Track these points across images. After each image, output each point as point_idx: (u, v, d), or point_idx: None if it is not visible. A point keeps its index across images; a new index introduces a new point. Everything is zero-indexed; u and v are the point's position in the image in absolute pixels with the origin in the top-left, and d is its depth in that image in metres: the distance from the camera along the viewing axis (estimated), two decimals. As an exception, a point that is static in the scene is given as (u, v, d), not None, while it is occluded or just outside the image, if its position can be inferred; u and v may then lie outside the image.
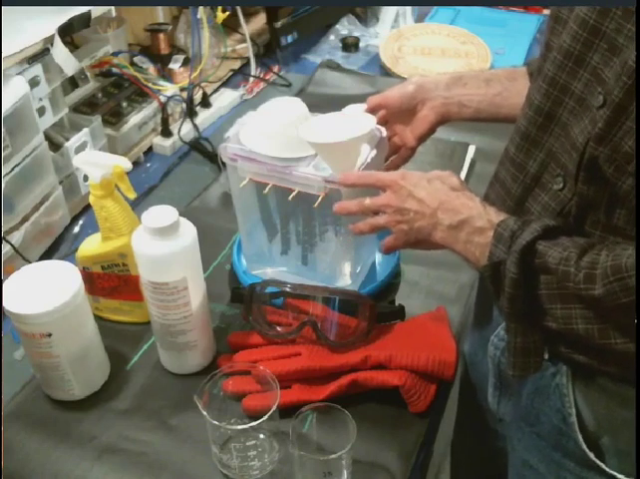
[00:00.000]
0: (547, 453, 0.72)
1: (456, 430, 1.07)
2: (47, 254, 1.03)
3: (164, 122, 1.28)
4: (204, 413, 0.69)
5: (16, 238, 0.96)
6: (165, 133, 1.28)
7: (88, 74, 1.20)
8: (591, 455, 0.66)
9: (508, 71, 0.89)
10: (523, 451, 0.76)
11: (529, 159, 0.66)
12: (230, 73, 1.49)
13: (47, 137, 1.03)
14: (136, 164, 1.22)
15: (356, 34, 1.68)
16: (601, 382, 0.64)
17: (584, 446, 0.66)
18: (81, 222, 1.11)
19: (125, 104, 1.24)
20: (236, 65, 1.52)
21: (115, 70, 1.25)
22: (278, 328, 0.84)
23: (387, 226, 0.73)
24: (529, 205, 0.67)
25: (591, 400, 0.65)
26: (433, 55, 1.58)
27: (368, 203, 0.74)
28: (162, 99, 1.27)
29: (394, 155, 0.91)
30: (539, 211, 0.66)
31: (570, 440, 0.67)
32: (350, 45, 1.64)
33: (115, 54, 1.25)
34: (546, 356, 0.67)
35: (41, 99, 1.01)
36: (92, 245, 0.86)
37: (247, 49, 1.48)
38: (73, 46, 1.19)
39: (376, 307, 0.81)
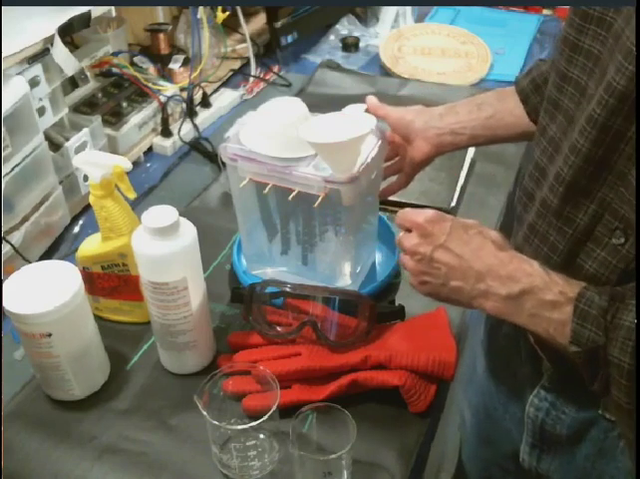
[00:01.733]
0: None
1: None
2: (47, 254, 1.03)
3: (164, 122, 1.28)
4: (204, 413, 0.69)
5: (16, 238, 0.96)
6: (165, 133, 1.28)
7: (88, 74, 1.20)
8: None
9: (497, 92, 0.88)
10: None
11: (579, 211, 0.61)
12: (230, 73, 1.49)
13: (47, 137, 1.03)
14: (136, 164, 1.22)
15: (356, 34, 1.68)
16: None
17: None
18: (81, 222, 1.11)
19: (125, 104, 1.24)
20: (236, 65, 1.52)
21: (115, 70, 1.25)
22: (278, 328, 0.84)
23: (412, 274, 0.67)
24: (582, 261, 0.62)
25: None
26: (433, 55, 1.58)
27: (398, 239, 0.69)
28: (162, 99, 1.27)
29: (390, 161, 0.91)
30: (596, 268, 0.60)
31: None
32: (350, 45, 1.64)
33: (115, 54, 1.25)
34: (613, 418, 0.65)
35: (41, 99, 1.01)
36: (92, 246, 0.86)
37: (247, 49, 1.48)
38: (73, 46, 1.19)
39: (376, 307, 0.81)
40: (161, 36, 1.37)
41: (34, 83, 0.99)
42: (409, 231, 0.67)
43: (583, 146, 0.58)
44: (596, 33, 0.58)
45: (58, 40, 1.01)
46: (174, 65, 1.37)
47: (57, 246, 1.06)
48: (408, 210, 0.68)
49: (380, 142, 0.83)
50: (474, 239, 0.63)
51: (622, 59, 0.53)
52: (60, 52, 1.02)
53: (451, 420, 1.01)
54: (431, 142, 0.85)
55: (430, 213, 0.66)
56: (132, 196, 0.83)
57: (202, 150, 1.28)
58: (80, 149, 1.09)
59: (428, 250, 0.64)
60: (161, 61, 1.37)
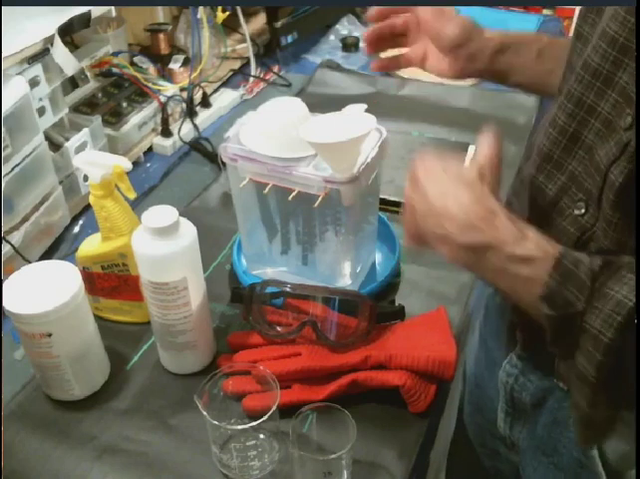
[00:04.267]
0: None
1: (454, 448, 1.05)
2: (47, 254, 1.03)
3: (164, 122, 1.28)
4: (204, 413, 0.69)
5: (16, 238, 0.96)
6: (165, 133, 1.28)
7: (88, 74, 1.21)
8: None
9: (561, 43, 0.81)
10: None
11: (549, 181, 0.63)
12: (230, 73, 1.49)
13: (47, 137, 1.03)
14: (136, 164, 1.22)
15: (356, 34, 1.68)
16: (626, 416, 0.58)
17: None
18: (81, 222, 1.11)
19: (125, 104, 1.24)
20: (236, 65, 1.52)
21: (115, 70, 1.25)
22: (278, 328, 0.84)
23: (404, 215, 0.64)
24: (544, 232, 0.60)
25: (614, 434, 0.59)
26: (433, 55, 1.58)
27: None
28: (162, 99, 1.27)
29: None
30: (555, 235, 0.60)
31: (591, 473, 0.66)
32: (350, 45, 1.64)
33: (115, 54, 1.25)
34: (565, 387, 0.66)
35: (41, 99, 1.01)
36: (92, 246, 0.86)
37: (247, 49, 1.48)
38: (73, 46, 1.19)
39: (376, 307, 0.81)
40: (161, 36, 1.38)
41: (34, 83, 0.99)
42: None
43: (560, 118, 0.61)
44: (594, 20, 0.61)
45: (58, 40, 1.01)
46: (174, 65, 1.37)
47: (57, 246, 1.06)
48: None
49: (380, 142, 0.83)
50: (446, 182, 0.60)
51: (598, 39, 0.56)
52: (60, 52, 1.02)
53: (451, 420, 1.01)
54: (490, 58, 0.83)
55: (429, 161, 0.63)
56: (132, 196, 0.83)
57: (202, 150, 1.28)
58: (80, 149, 1.09)
59: (409, 193, 0.62)
60: (162, 61, 1.37)
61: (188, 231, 0.75)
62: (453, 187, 0.59)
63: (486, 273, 0.58)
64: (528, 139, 1.22)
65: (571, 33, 0.66)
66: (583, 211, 0.59)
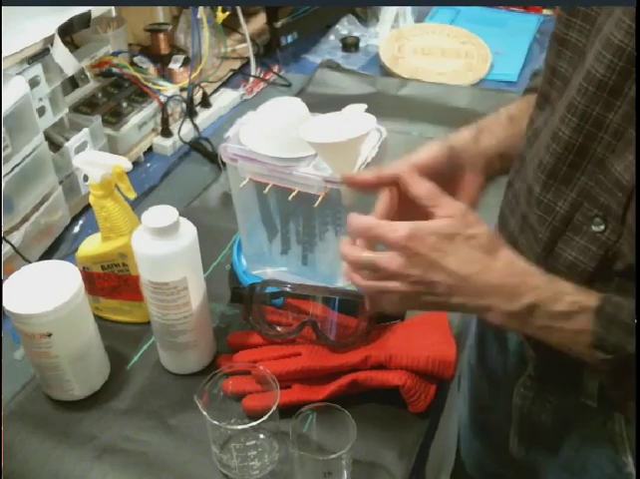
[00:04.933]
0: None
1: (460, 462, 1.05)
2: (47, 254, 1.03)
3: (164, 122, 1.28)
4: (204, 413, 0.69)
5: (16, 238, 0.96)
6: (165, 133, 1.28)
7: (88, 74, 1.20)
8: None
9: (521, 103, 0.76)
10: None
11: (559, 199, 0.60)
12: (230, 73, 1.49)
13: (47, 137, 1.03)
14: (136, 164, 1.22)
15: (356, 34, 1.68)
16: None
17: None
18: (81, 222, 1.11)
19: (125, 104, 1.24)
20: (236, 65, 1.52)
21: (115, 70, 1.25)
22: (278, 328, 0.84)
23: (406, 295, 0.61)
24: (561, 250, 0.61)
25: None
26: (433, 55, 1.58)
27: (369, 260, 0.61)
28: (162, 99, 1.27)
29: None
30: (575, 256, 0.60)
31: None
32: (350, 45, 1.64)
33: (115, 54, 1.25)
34: (595, 405, 0.65)
35: (41, 99, 1.01)
36: (92, 246, 0.86)
37: (247, 49, 1.48)
38: (73, 46, 1.19)
39: (376, 307, 0.81)
40: (161, 36, 1.37)
41: (34, 83, 0.99)
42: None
43: (564, 133, 0.58)
44: (582, 27, 0.59)
45: (58, 40, 1.01)
46: (174, 65, 1.37)
47: (57, 246, 1.06)
48: (371, 221, 0.62)
49: (380, 142, 0.83)
50: (462, 251, 0.58)
51: (601, 48, 0.54)
52: (60, 52, 1.02)
53: (451, 420, 1.01)
54: (481, 171, 0.72)
55: (405, 229, 0.58)
56: (132, 196, 0.83)
57: (202, 150, 1.27)
58: (80, 149, 1.09)
59: (419, 272, 0.58)
60: (162, 61, 1.37)
61: (188, 231, 0.75)
62: (475, 253, 0.58)
63: (533, 331, 0.59)
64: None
65: None
66: (602, 227, 0.57)
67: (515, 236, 0.68)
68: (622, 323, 0.54)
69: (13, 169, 0.95)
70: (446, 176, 0.68)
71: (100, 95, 1.22)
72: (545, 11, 2.19)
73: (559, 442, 0.72)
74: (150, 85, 1.27)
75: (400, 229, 0.59)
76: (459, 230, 0.59)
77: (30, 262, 0.91)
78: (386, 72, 1.55)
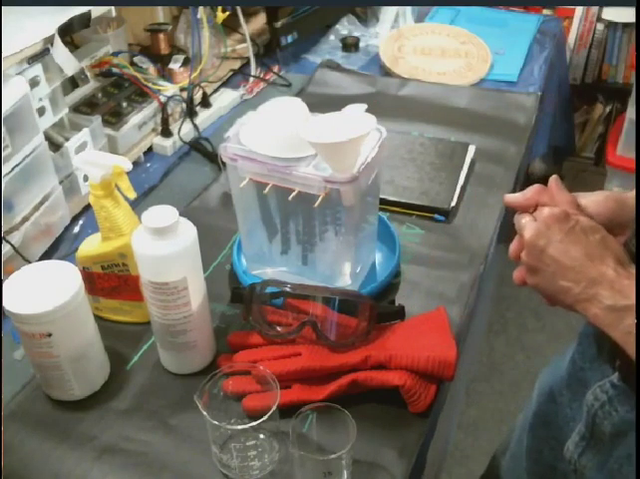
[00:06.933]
0: None
1: (498, 460, 1.04)
2: (47, 254, 1.03)
3: (165, 122, 1.28)
4: (204, 413, 0.69)
5: (16, 238, 0.96)
6: (166, 133, 1.28)
7: (88, 74, 1.20)
8: None
9: None
10: None
11: None
12: (230, 73, 1.49)
13: (47, 137, 1.03)
14: (136, 164, 1.22)
15: (356, 34, 1.68)
16: None
17: None
18: (81, 222, 1.11)
19: (125, 104, 1.24)
20: (236, 65, 1.52)
21: (115, 70, 1.25)
22: (278, 328, 0.84)
23: (523, 263, 0.67)
24: None
25: None
26: (433, 55, 1.58)
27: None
28: (162, 99, 1.27)
29: None
30: None
31: None
32: (350, 45, 1.64)
33: (115, 54, 1.25)
34: None
35: (41, 99, 1.01)
36: (92, 246, 0.86)
37: (247, 49, 1.48)
38: (73, 46, 1.19)
39: (376, 307, 0.81)
40: (161, 36, 1.38)
41: (34, 83, 0.99)
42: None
43: None
44: None
45: (58, 40, 1.01)
46: (174, 65, 1.37)
47: (57, 246, 1.06)
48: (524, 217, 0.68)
49: (380, 142, 0.83)
50: (594, 246, 0.63)
51: None
52: (60, 52, 1.02)
53: (451, 420, 1.01)
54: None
55: (556, 209, 0.65)
56: (132, 196, 0.83)
57: (202, 150, 1.28)
58: (80, 149, 1.09)
59: (542, 243, 0.64)
60: (162, 61, 1.37)
61: (188, 230, 0.75)
62: (594, 248, 0.62)
63: (618, 333, 0.60)
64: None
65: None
66: None
67: None
68: None
69: (13, 169, 0.95)
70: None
71: (100, 95, 1.22)
72: (545, 11, 2.19)
73: (610, 454, 0.72)
74: (150, 85, 1.27)
75: (553, 208, 0.65)
76: (599, 229, 0.64)
77: (30, 262, 0.91)
78: (386, 72, 1.55)
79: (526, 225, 0.67)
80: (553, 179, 0.71)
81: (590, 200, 0.71)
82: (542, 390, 0.93)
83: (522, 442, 0.97)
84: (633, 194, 0.73)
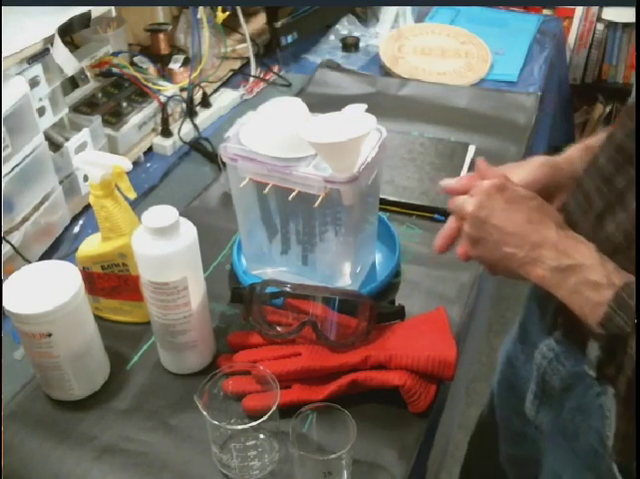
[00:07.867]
0: (581, 472, 0.71)
1: (480, 428, 1.07)
2: (47, 254, 1.03)
3: (165, 122, 1.28)
4: (204, 413, 0.69)
5: (16, 238, 0.96)
6: (166, 133, 1.28)
7: (88, 74, 1.21)
8: None
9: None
10: (557, 464, 0.76)
11: (619, 174, 0.62)
12: (230, 73, 1.49)
13: (47, 137, 1.03)
14: (136, 164, 1.22)
15: (356, 34, 1.68)
16: None
17: (617, 473, 0.65)
18: (81, 222, 1.11)
19: (125, 104, 1.24)
20: (236, 65, 1.52)
21: (115, 70, 1.25)
22: (278, 328, 0.84)
23: (465, 237, 0.70)
24: (607, 222, 0.63)
25: (633, 428, 0.61)
26: (433, 55, 1.58)
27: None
28: (162, 99, 1.27)
29: None
30: (613, 230, 0.62)
31: (604, 464, 0.66)
32: (350, 45, 1.64)
33: (115, 54, 1.25)
34: (594, 374, 0.66)
35: (41, 99, 1.01)
36: (92, 246, 0.86)
37: (247, 49, 1.48)
38: (73, 46, 1.19)
39: (376, 307, 0.81)
40: (161, 36, 1.38)
41: (34, 83, 0.99)
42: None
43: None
44: None
45: (58, 40, 1.01)
46: (174, 65, 1.37)
47: (57, 246, 1.06)
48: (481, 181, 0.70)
49: (380, 142, 0.83)
50: (534, 211, 0.65)
51: None
52: (60, 52, 1.02)
53: (451, 420, 1.01)
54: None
55: (495, 180, 0.67)
56: (132, 196, 0.83)
57: (202, 150, 1.28)
58: (80, 149, 1.09)
59: (484, 213, 0.66)
60: (162, 61, 1.37)
61: (188, 231, 0.75)
62: (534, 213, 0.65)
63: (563, 294, 0.62)
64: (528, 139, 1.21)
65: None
66: None
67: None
68: (630, 308, 0.57)
69: (13, 169, 0.95)
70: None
71: (100, 95, 1.22)
72: (545, 11, 2.19)
73: (562, 407, 0.73)
74: (150, 85, 1.27)
75: (492, 179, 0.68)
76: (535, 197, 0.66)
77: (30, 262, 0.91)
78: (386, 72, 1.55)
79: (466, 200, 0.69)
80: (480, 160, 0.74)
81: (524, 170, 0.74)
82: (503, 358, 0.95)
83: (495, 412, 0.99)
84: (565, 157, 0.77)
